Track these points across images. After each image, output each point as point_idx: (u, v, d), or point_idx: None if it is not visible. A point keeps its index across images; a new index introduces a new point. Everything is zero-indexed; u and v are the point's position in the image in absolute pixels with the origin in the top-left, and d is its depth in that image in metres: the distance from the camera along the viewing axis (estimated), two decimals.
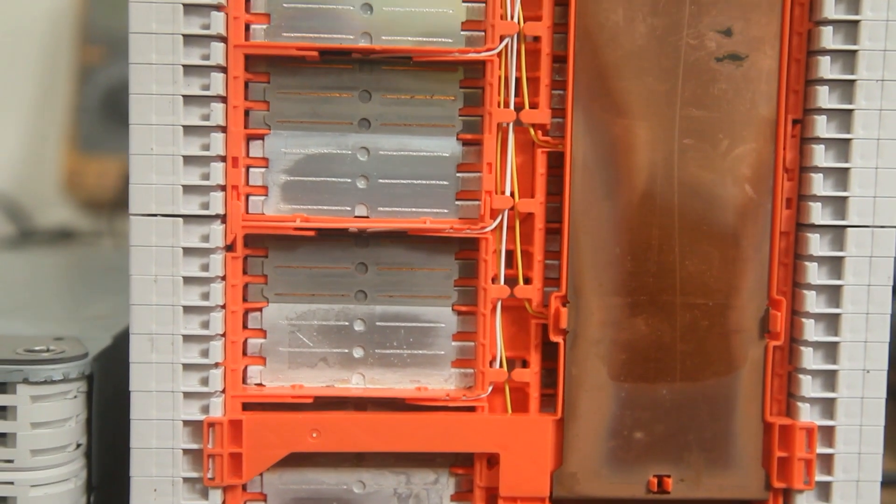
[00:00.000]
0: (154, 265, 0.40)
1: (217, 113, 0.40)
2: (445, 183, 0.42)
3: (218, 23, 0.39)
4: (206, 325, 0.40)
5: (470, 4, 0.41)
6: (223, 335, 0.41)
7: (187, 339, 0.40)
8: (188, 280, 0.40)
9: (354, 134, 0.42)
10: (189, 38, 0.39)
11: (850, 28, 0.40)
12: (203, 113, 0.40)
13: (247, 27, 0.41)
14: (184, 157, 0.40)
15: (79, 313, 0.52)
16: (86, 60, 1.08)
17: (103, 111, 1.07)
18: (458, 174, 0.42)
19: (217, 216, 0.40)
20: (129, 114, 0.39)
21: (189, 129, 0.40)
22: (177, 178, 0.40)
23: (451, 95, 0.42)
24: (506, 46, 0.41)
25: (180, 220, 0.40)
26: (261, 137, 0.41)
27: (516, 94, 0.41)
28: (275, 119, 0.41)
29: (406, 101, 0.42)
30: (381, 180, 0.42)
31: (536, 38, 0.41)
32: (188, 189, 0.40)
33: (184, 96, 0.39)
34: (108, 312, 0.51)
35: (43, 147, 1.09)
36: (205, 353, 0.40)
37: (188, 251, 0.40)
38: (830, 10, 0.40)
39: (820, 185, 0.41)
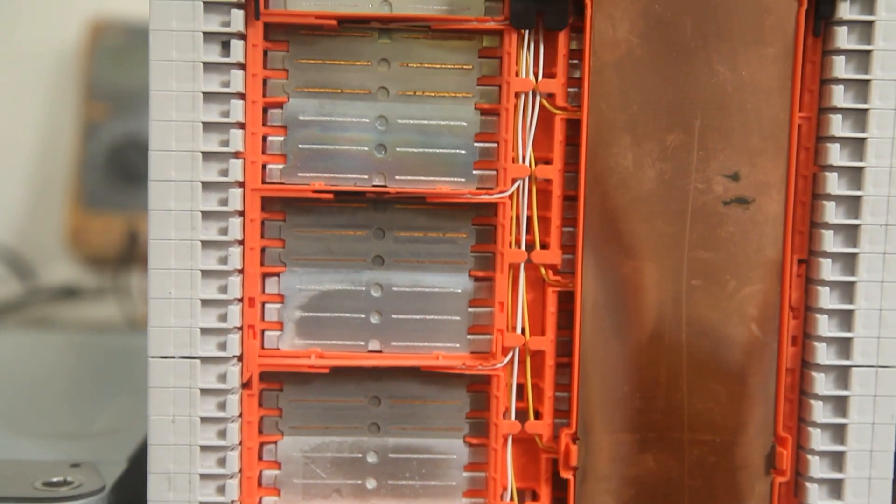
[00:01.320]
0: (172, 406, 0.40)
1: (234, 257, 0.40)
2: (457, 318, 0.43)
3: (236, 170, 0.40)
4: (222, 462, 0.41)
5: (482, 144, 0.42)
6: (239, 472, 0.41)
7: (204, 477, 0.41)
8: (205, 420, 0.41)
9: (368, 271, 0.42)
10: (207, 185, 0.40)
11: (855, 174, 0.41)
12: (220, 256, 0.41)
13: (263, 166, 0.41)
14: (202, 300, 0.40)
15: (91, 422, 0.52)
16: (90, 116, 1.08)
17: (107, 167, 1.07)
18: (469, 309, 0.43)
19: (234, 357, 0.41)
20: (149, 258, 0.40)
21: (207, 273, 0.40)
22: (195, 321, 0.40)
23: (464, 233, 0.42)
24: (517, 187, 0.42)
25: (198, 361, 0.41)
26: (276, 274, 0.42)
27: (527, 232, 0.42)
28: (290, 256, 0.42)
29: (419, 238, 0.42)
30: (394, 315, 0.43)
31: (548, 180, 0.42)
32: (206, 331, 0.41)
33: (202, 241, 0.40)
34: (122, 419, 0.51)
35: (47, 203, 1.10)
36: (221, 491, 0.41)
37: (205, 391, 0.41)
38: (836, 156, 0.41)
39: (825, 326, 0.41)
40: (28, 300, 1.02)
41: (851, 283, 0.41)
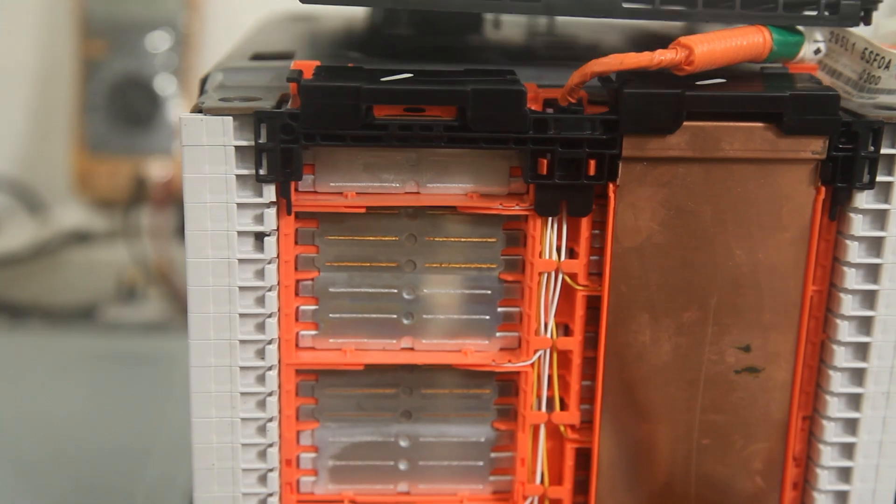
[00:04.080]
0: None
1: (272, 431, 0.43)
2: (480, 463, 0.45)
3: (272, 355, 0.42)
4: None
5: (505, 309, 0.44)
6: None
7: None
8: None
9: (397, 424, 0.45)
10: (245, 369, 0.42)
11: (861, 348, 0.43)
12: (258, 426, 0.43)
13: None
14: (243, 469, 0.43)
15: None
16: (88, 55, 1.07)
17: (110, 109, 1.07)
18: (492, 455, 0.45)
19: None
20: (192, 432, 0.42)
21: (247, 446, 0.43)
22: (237, 488, 0.43)
23: (487, 389, 0.45)
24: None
25: None
26: (310, 429, 0.45)
27: (548, 388, 0.44)
28: (323, 413, 0.45)
29: (445, 395, 0.45)
30: (420, 462, 0.45)
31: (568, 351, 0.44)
32: (247, 496, 0.43)
33: (242, 419, 0.42)
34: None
35: (52, 146, 1.10)
36: None
37: None
38: (844, 332, 0.43)
39: (825, 480, 0.44)
40: (42, 246, 1.04)
41: (852, 444, 0.44)
